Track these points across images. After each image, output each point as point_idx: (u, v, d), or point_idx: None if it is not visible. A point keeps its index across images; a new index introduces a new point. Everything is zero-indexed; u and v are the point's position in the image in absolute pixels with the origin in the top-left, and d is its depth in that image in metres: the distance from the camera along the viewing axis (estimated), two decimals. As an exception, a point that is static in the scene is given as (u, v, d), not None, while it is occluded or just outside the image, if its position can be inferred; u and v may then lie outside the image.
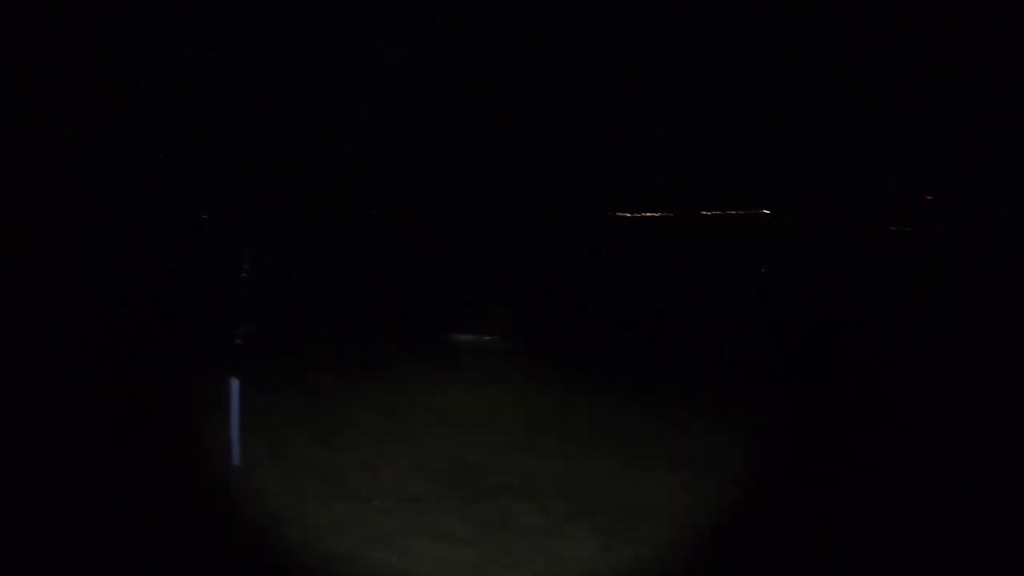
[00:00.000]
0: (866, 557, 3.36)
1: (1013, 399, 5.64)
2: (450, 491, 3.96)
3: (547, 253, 17.34)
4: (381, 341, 7.80)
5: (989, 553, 3.37)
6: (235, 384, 4.06)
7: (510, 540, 3.54)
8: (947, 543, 3.41)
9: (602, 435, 5.19)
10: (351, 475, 4.10)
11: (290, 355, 6.65)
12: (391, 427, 5.01)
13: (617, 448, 4.88)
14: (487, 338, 8.35)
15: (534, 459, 4.58)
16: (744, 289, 13.80)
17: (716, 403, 6.07)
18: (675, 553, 3.56)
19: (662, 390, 6.58)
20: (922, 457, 4.54)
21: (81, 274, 14.73)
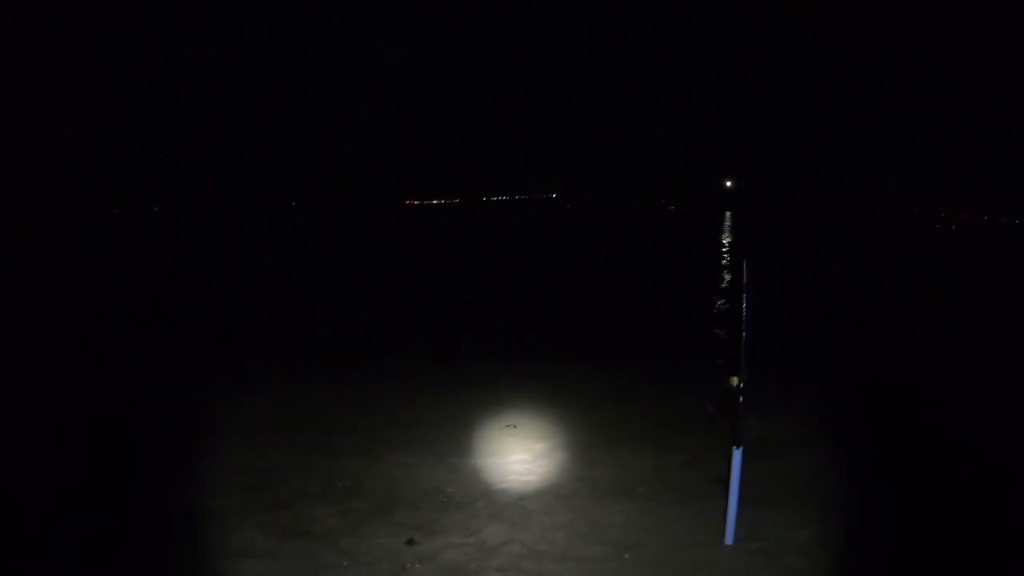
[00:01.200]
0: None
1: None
2: (248, 502, 3.67)
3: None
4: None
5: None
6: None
7: (312, 547, 3.27)
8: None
9: (396, 427, 4.81)
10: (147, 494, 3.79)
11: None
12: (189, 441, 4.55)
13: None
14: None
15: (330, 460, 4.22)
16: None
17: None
18: (481, 539, 3.30)
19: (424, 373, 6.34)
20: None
21: (81, 274, 14.79)
